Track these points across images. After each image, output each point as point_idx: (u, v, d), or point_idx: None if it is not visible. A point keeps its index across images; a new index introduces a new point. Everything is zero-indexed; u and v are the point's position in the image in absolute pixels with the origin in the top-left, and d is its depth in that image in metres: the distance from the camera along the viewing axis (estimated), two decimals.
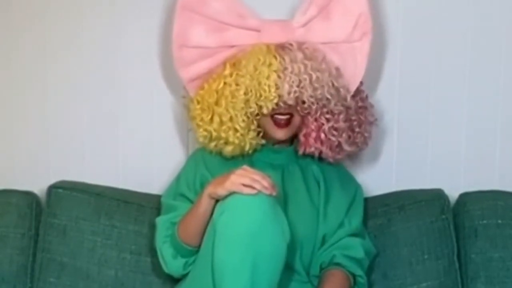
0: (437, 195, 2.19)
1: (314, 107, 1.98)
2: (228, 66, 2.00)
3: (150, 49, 2.28)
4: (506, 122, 2.31)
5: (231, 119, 1.98)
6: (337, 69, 2.02)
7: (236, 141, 1.99)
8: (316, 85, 1.95)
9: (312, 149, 2.03)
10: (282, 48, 1.99)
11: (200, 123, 2.02)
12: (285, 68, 1.95)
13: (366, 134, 2.10)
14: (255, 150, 2.05)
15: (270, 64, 1.95)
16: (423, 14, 2.28)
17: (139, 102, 2.32)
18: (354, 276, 2.00)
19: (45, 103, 2.32)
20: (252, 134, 2.00)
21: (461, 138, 2.32)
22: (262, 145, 2.05)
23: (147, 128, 2.32)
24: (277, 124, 2.01)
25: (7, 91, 2.33)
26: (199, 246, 1.89)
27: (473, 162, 2.32)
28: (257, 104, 1.96)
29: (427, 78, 2.30)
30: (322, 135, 2.02)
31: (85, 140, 2.33)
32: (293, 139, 2.09)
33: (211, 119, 2.00)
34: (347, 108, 2.03)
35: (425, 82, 2.30)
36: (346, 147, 2.05)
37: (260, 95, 1.95)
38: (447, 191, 2.21)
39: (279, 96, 1.94)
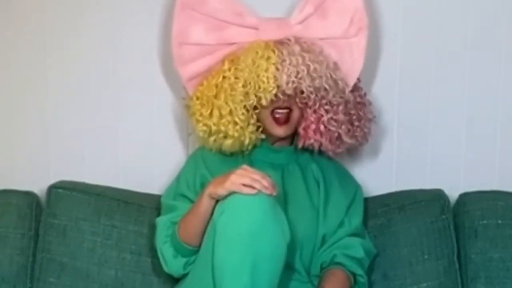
0: (437, 195, 2.19)
1: (312, 96, 1.97)
2: (226, 62, 2.00)
3: (150, 49, 2.28)
4: (506, 122, 2.31)
5: (230, 112, 1.98)
6: (335, 63, 2.02)
7: (236, 134, 1.99)
8: (314, 75, 1.95)
9: (312, 141, 2.03)
10: (280, 43, 1.99)
11: (200, 118, 2.02)
12: (283, 61, 1.95)
13: (365, 130, 2.10)
14: (254, 147, 2.05)
15: (268, 58, 1.95)
16: (423, 14, 2.28)
17: (139, 102, 2.32)
18: (354, 275, 2.01)
19: (45, 103, 2.32)
20: (251, 128, 2.00)
21: (461, 138, 2.32)
22: (262, 143, 2.05)
23: (147, 128, 2.32)
24: (277, 120, 2.01)
25: (7, 91, 2.33)
26: (200, 245, 1.89)
27: (473, 162, 2.32)
28: (256, 96, 1.96)
29: (427, 78, 2.30)
30: (322, 127, 2.01)
31: (85, 140, 2.33)
32: (293, 139, 2.09)
33: (211, 113, 2.00)
34: (346, 101, 2.03)
35: (425, 82, 2.30)
36: (347, 139, 2.04)
37: (259, 87, 1.95)
38: (447, 191, 2.21)
39: (278, 87, 1.95)
